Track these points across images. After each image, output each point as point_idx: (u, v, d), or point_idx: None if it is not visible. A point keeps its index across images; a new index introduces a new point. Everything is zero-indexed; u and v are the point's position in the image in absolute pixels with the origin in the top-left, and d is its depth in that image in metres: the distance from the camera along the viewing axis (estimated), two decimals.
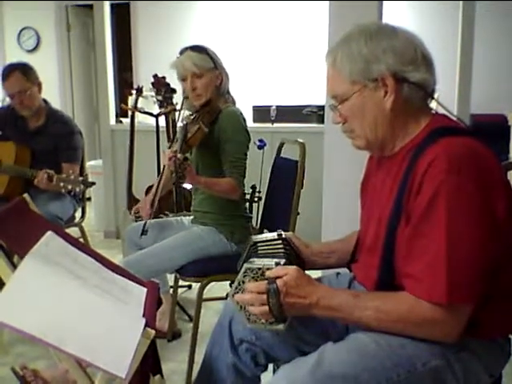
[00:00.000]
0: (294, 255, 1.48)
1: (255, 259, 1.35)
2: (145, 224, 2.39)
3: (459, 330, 1.17)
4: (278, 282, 1.22)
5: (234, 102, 2.50)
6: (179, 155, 2.13)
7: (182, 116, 2.46)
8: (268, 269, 1.28)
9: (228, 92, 2.49)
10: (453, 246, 1.12)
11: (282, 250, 1.44)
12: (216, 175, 2.36)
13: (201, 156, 2.44)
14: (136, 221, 2.78)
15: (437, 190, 1.13)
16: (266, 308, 1.22)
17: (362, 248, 1.48)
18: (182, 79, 2.41)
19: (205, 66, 2.36)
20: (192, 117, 2.39)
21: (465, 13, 3.88)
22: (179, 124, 2.42)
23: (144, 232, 2.38)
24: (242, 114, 2.42)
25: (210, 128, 2.33)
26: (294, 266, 1.29)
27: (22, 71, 3.02)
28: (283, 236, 1.48)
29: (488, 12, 4.74)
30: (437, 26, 5.01)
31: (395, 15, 4.80)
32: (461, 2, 3.91)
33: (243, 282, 1.30)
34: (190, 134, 2.29)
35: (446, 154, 1.15)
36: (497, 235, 1.15)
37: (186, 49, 2.39)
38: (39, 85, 3.10)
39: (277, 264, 1.29)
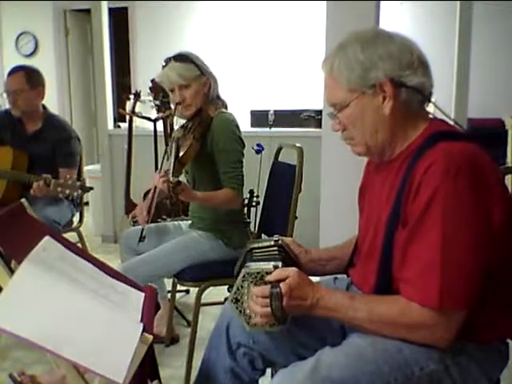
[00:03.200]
0: (289, 261, 1.48)
1: (252, 264, 1.35)
2: (142, 230, 2.38)
3: (451, 335, 1.17)
4: (282, 285, 1.23)
5: (225, 106, 2.46)
6: (171, 178, 2.09)
7: (176, 121, 2.43)
8: (267, 272, 1.28)
9: (218, 96, 2.44)
10: (447, 251, 1.13)
11: (277, 255, 1.43)
12: (214, 185, 2.34)
13: (197, 168, 2.41)
14: (134, 225, 2.77)
15: (433, 194, 1.14)
16: (269, 310, 1.23)
17: (359, 253, 1.48)
18: (170, 90, 2.38)
19: (191, 76, 2.31)
20: (183, 131, 2.34)
21: (462, 15, 3.89)
22: (174, 130, 2.38)
23: (141, 239, 2.36)
24: (234, 120, 2.38)
25: (203, 139, 2.31)
26: (294, 268, 1.29)
27: (27, 73, 3.06)
28: (279, 242, 1.48)
29: (486, 15, 4.76)
30: (434, 28, 5.03)
31: (392, 17, 4.81)
32: (458, 2, 3.92)
33: (242, 287, 1.31)
34: (182, 151, 2.26)
35: (443, 158, 1.15)
36: (492, 241, 1.15)
37: (170, 59, 2.33)
38: (40, 91, 3.10)
39: (275, 267, 1.29)
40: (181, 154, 2.26)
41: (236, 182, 2.31)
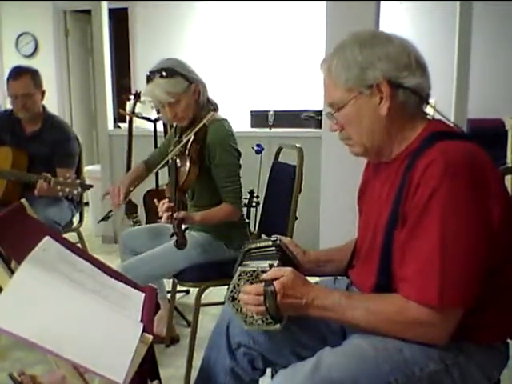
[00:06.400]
0: (287, 260, 1.48)
1: (249, 262, 1.35)
2: (110, 211, 2.34)
3: (448, 334, 1.17)
4: (276, 284, 1.23)
5: (216, 108, 2.41)
6: (175, 214, 2.08)
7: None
8: (263, 271, 1.29)
9: (208, 100, 2.40)
10: (446, 250, 1.13)
11: (275, 254, 1.43)
12: (214, 198, 2.34)
13: (196, 183, 2.37)
14: (134, 225, 2.77)
15: (432, 193, 1.14)
16: (263, 308, 1.23)
17: (359, 254, 1.48)
18: (160, 107, 2.33)
19: (179, 90, 2.24)
20: (179, 149, 2.28)
21: (462, 15, 3.89)
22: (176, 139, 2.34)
23: (105, 218, 2.32)
24: (228, 128, 2.34)
25: (200, 158, 2.28)
26: (289, 267, 1.29)
27: (32, 75, 3.05)
28: (277, 242, 1.48)
29: (485, 15, 4.76)
30: (434, 28, 5.03)
31: (392, 17, 4.81)
32: (458, 2, 3.92)
33: (238, 286, 1.31)
34: (181, 179, 2.24)
35: (442, 157, 1.16)
36: (491, 240, 1.15)
37: (154, 73, 2.22)
38: (43, 92, 3.11)
39: (271, 266, 1.30)
40: (181, 182, 2.25)
41: (234, 196, 2.31)
